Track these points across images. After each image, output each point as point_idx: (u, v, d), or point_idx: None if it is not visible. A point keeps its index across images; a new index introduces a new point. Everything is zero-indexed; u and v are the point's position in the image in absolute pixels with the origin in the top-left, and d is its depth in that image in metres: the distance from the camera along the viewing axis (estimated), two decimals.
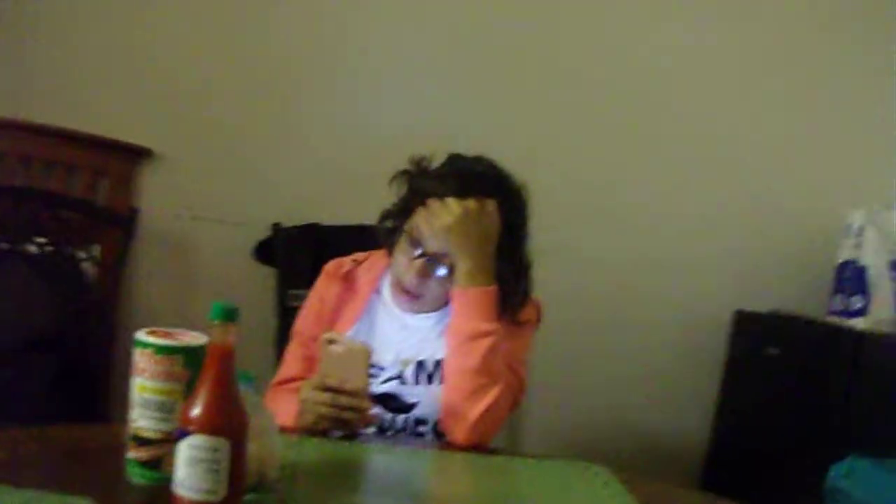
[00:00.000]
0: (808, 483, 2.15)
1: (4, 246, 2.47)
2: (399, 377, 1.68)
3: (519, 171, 1.72)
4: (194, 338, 1.16)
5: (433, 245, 1.64)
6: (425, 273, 1.67)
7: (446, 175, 1.67)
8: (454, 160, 1.72)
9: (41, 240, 2.52)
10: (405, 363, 1.69)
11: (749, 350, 2.72)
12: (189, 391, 1.07)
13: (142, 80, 2.77)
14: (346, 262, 1.82)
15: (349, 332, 1.73)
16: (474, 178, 1.66)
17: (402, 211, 1.72)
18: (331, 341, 1.49)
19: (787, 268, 2.87)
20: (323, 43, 2.82)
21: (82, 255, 2.64)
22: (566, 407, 2.85)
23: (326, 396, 1.45)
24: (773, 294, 2.81)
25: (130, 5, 2.80)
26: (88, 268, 2.65)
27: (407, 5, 2.85)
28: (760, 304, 2.77)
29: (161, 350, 1.12)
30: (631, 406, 2.90)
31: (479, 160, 1.72)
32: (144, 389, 1.12)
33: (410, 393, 1.66)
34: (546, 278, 2.73)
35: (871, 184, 2.85)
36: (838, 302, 2.59)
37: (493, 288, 1.63)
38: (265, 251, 2.69)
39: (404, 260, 1.69)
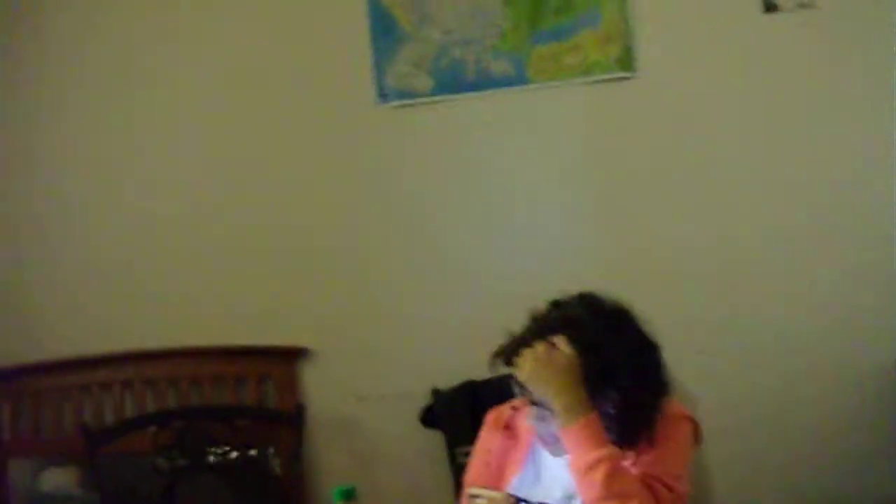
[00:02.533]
0: None
1: (183, 462, 2.65)
2: None
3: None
4: None
5: (532, 395, 1.69)
6: (541, 418, 1.70)
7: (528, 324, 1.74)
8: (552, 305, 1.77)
9: (224, 448, 2.71)
10: (570, 497, 1.69)
11: None
12: None
13: (287, 288, 2.99)
14: (504, 409, 1.86)
15: (516, 478, 1.77)
16: (542, 320, 1.71)
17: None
18: (474, 496, 1.55)
19: None
20: (462, 196, 2.97)
21: (260, 454, 2.81)
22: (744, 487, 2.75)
23: None
24: None
25: (252, 217, 3.04)
26: (273, 465, 2.83)
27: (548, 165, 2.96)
28: None
29: None
30: (809, 473, 2.76)
31: (562, 304, 1.74)
32: None
33: None
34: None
35: None
36: None
37: (591, 416, 1.61)
38: (430, 417, 2.80)
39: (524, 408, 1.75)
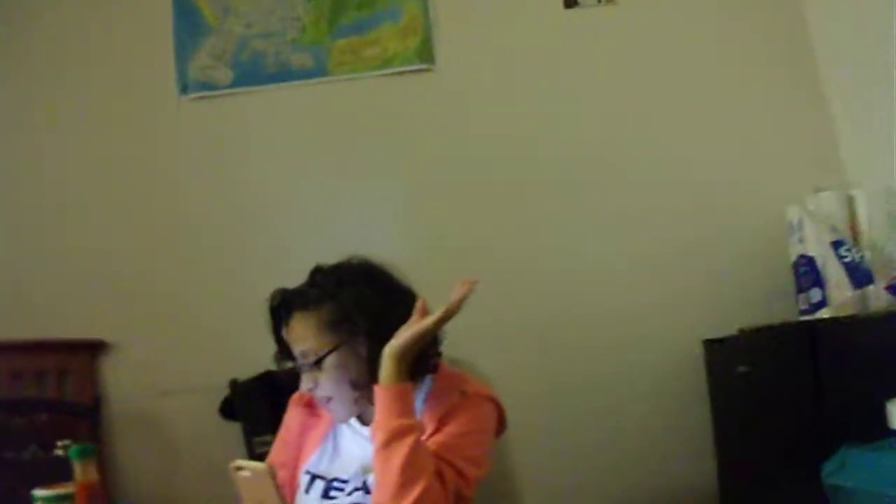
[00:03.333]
0: (811, 487, 2.01)
1: None
2: (364, 487, 1.70)
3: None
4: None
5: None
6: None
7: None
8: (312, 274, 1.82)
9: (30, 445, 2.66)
10: (366, 470, 1.70)
11: (723, 374, 2.62)
12: None
13: (84, 279, 2.95)
14: None
15: (314, 455, 1.81)
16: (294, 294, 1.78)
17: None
18: (238, 468, 1.54)
19: (748, 283, 2.80)
20: (262, 188, 2.99)
21: (59, 452, 2.67)
22: (560, 473, 2.76)
23: None
24: (743, 312, 2.70)
25: (54, 208, 3.01)
26: None
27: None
28: (732, 324, 2.65)
29: (48, 500, 1.40)
30: (629, 459, 2.80)
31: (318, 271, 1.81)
32: None
33: None
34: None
35: (801, 175, 2.77)
36: (803, 301, 2.50)
37: (408, 385, 1.64)
38: (229, 408, 2.78)
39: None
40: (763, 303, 2.71)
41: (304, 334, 1.73)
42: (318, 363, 1.72)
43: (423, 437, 1.63)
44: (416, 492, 1.54)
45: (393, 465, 1.56)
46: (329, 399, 1.75)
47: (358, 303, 1.72)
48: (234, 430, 2.72)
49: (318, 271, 1.81)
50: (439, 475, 1.60)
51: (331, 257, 1.83)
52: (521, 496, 2.24)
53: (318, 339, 1.71)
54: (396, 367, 1.63)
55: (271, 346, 2.64)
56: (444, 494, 1.60)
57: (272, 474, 1.52)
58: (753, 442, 2.46)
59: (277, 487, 1.52)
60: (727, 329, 2.65)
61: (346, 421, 1.80)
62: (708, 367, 2.72)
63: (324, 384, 1.73)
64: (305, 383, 1.74)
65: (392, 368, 1.62)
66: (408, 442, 1.57)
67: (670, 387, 2.81)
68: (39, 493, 1.33)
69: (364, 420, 1.79)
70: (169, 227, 2.99)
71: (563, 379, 2.84)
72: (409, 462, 1.55)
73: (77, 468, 1.19)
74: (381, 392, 1.64)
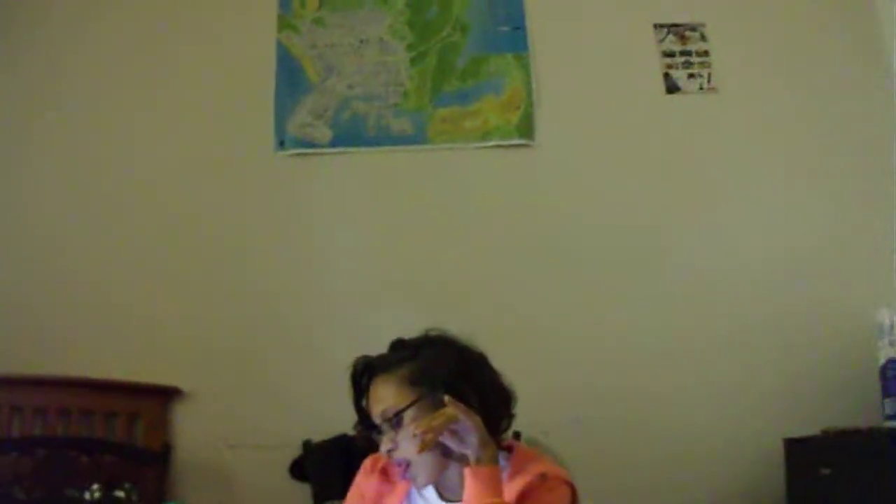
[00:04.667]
0: None
1: (39, 494, 2.57)
2: None
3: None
4: None
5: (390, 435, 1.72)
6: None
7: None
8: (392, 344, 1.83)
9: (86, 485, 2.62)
10: None
11: (804, 475, 2.57)
12: None
13: (165, 325, 2.94)
14: (382, 456, 1.83)
15: None
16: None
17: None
18: None
19: (832, 381, 2.78)
20: (353, 247, 2.97)
21: (124, 495, 2.68)
22: None
23: None
24: (825, 410, 2.69)
25: (139, 258, 2.99)
26: None
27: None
28: (812, 422, 2.62)
29: None
30: None
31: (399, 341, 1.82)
32: None
33: None
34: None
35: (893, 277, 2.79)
36: (889, 405, 2.48)
37: (499, 467, 1.65)
38: (299, 469, 2.73)
39: None
40: (846, 405, 2.69)
41: (385, 394, 1.72)
42: (398, 419, 1.69)
43: None
44: None
45: None
46: (409, 462, 1.72)
47: (436, 359, 1.73)
48: (303, 491, 2.68)
49: (398, 342, 1.82)
50: None
51: (414, 329, 1.85)
52: None
53: (398, 396, 1.70)
54: (487, 450, 1.63)
55: (346, 410, 2.65)
56: None
57: None
58: None
59: None
60: (808, 430, 2.61)
61: (425, 485, 1.76)
62: (788, 468, 2.66)
63: (403, 444, 1.70)
64: (385, 445, 1.71)
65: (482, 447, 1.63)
66: None
67: (747, 483, 2.76)
68: None
69: (442, 493, 1.77)
70: (254, 283, 2.97)
71: (631, 460, 2.79)
72: None
73: None
74: (472, 472, 1.63)
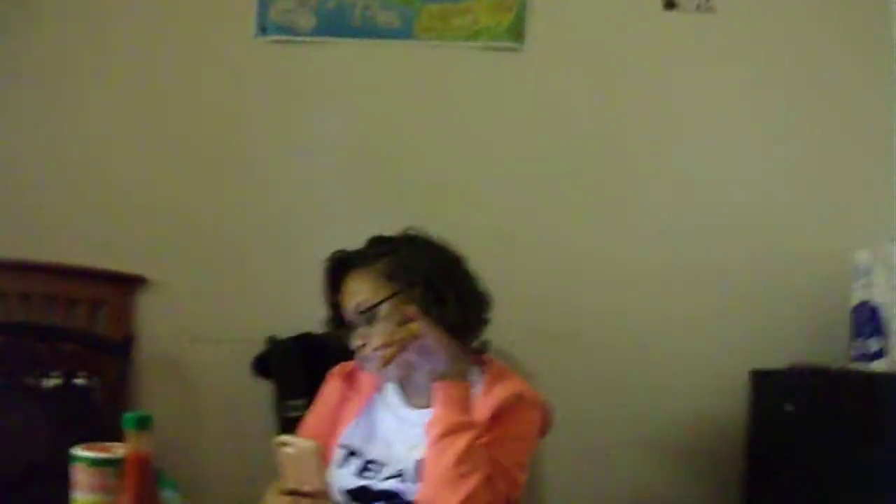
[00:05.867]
0: None
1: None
2: (400, 475, 1.66)
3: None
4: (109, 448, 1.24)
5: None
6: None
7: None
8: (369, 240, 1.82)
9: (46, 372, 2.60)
10: (413, 447, 1.67)
11: (768, 409, 2.59)
12: None
13: (132, 212, 2.87)
14: (351, 363, 1.84)
15: (348, 427, 1.77)
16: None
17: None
18: (283, 444, 1.49)
19: (802, 319, 2.77)
20: (332, 139, 2.89)
21: (85, 383, 2.66)
22: (584, 482, 2.75)
23: (287, 500, 1.49)
24: (792, 347, 2.69)
25: (110, 140, 2.91)
26: (96, 396, 2.69)
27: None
28: (779, 359, 2.64)
29: (93, 463, 1.21)
30: (653, 475, 2.80)
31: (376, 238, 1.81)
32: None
33: (412, 490, 1.63)
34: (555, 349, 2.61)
35: (875, 220, 2.76)
36: (858, 347, 2.49)
37: (468, 384, 1.66)
38: (262, 365, 2.67)
39: None
40: (817, 345, 2.69)
41: (360, 288, 1.71)
42: (371, 312, 1.68)
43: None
44: (468, 487, 1.52)
45: (446, 460, 1.55)
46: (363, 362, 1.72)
47: (415, 257, 1.74)
48: (265, 388, 2.62)
49: (376, 238, 1.80)
50: (493, 478, 1.58)
51: (390, 229, 1.82)
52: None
53: (374, 290, 1.69)
54: (455, 366, 1.64)
55: (313, 308, 2.62)
56: (496, 497, 1.58)
57: (319, 453, 1.49)
58: (789, 485, 2.43)
59: (322, 468, 1.50)
60: (774, 362, 2.64)
61: (392, 380, 1.76)
62: (752, 401, 2.68)
63: (375, 338, 1.68)
64: (356, 340, 1.70)
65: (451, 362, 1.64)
66: (465, 438, 1.56)
67: (711, 414, 2.78)
68: (82, 453, 1.21)
69: (409, 398, 1.76)
70: (227, 171, 2.89)
71: (597, 383, 2.79)
72: (464, 458, 1.54)
73: (131, 437, 1.14)
74: (440, 388, 1.62)
